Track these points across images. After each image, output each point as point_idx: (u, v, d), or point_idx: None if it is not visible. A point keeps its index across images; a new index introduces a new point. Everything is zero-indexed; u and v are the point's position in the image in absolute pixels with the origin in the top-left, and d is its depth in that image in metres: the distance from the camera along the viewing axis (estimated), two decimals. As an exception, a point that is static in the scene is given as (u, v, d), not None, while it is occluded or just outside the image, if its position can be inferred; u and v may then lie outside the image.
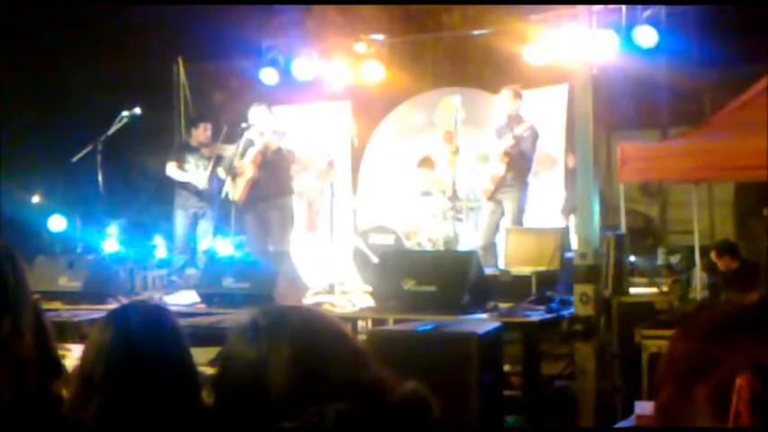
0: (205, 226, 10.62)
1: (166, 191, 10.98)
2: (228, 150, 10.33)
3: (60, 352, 2.30)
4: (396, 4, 12.52)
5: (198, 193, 10.53)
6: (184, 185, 10.58)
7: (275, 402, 1.86)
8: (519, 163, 9.72)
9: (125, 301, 8.57)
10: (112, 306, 8.17)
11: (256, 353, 1.91)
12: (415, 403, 1.92)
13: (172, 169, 10.59)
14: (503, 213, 9.79)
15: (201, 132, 10.76)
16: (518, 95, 10.01)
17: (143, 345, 2.41)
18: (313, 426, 1.80)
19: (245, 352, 1.93)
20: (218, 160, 10.40)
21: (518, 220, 9.73)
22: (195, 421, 2.29)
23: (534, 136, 9.76)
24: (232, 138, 10.43)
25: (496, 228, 9.79)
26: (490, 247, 9.68)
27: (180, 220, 10.69)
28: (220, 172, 10.32)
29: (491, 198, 9.83)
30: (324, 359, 1.91)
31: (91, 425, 2.12)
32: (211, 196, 10.53)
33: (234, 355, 1.96)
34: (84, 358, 2.36)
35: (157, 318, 2.52)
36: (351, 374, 1.90)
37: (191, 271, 10.03)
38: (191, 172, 10.57)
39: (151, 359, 2.38)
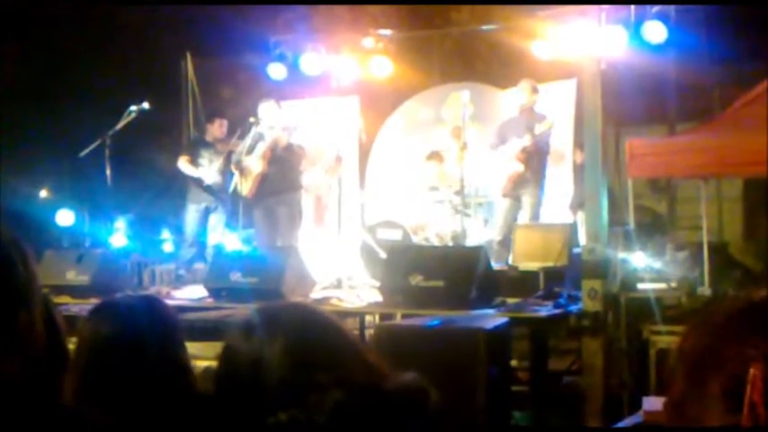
0: (216, 220, 10.64)
1: (174, 185, 11.01)
2: (241, 146, 10.36)
3: (69, 346, 2.34)
4: (403, 4, 12.52)
5: (207, 188, 10.54)
6: (195, 180, 10.60)
7: (273, 394, 1.92)
8: (536, 158, 9.76)
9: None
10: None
11: (252, 347, 1.98)
12: (412, 392, 1.96)
13: (183, 164, 10.60)
14: (520, 208, 9.83)
15: (217, 128, 10.78)
16: (536, 90, 10.01)
17: (114, 337, 2.50)
18: (311, 414, 1.85)
19: (242, 347, 2.00)
20: (231, 155, 10.42)
21: (536, 214, 9.79)
22: (185, 409, 2.35)
23: (550, 132, 9.82)
24: (244, 133, 10.46)
25: (515, 221, 9.80)
26: (507, 242, 9.68)
27: (191, 214, 10.70)
28: (233, 167, 10.35)
29: (508, 195, 9.85)
30: (318, 350, 1.98)
31: (100, 418, 2.15)
32: (224, 191, 10.55)
33: (232, 350, 2.03)
34: (73, 352, 2.43)
35: (136, 310, 2.58)
36: (346, 365, 1.95)
37: (199, 265, 10.06)
38: (204, 167, 10.59)
39: (123, 350, 2.48)
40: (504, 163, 9.86)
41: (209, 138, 10.79)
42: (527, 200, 9.80)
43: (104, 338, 2.51)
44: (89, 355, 2.49)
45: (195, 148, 10.77)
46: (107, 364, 2.46)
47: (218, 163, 10.54)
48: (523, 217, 9.78)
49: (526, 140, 9.60)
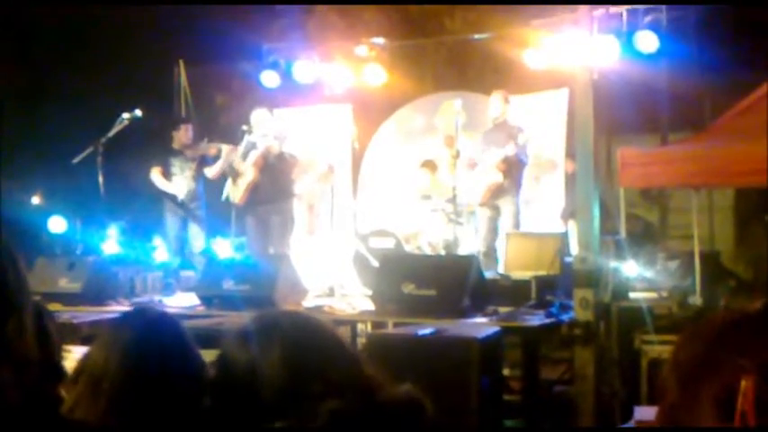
0: (196, 228, 10.61)
1: (162, 192, 10.98)
2: (214, 149, 10.34)
3: (65, 354, 2.27)
4: (395, 4, 12.52)
5: (181, 205, 10.51)
6: (168, 195, 10.58)
7: (269, 402, 1.92)
8: (516, 169, 9.82)
9: (125, 302, 8.59)
10: (112, 308, 8.24)
11: (249, 355, 1.99)
12: (408, 403, 1.96)
13: (156, 176, 10.57)
14: (499, 216, 9.87)
15: (183, 134, 10.73)
16: (508, 101, 10.10)
17: (159, 350, 2.38)
18: (307, 423, 1.84)
19: (239, 355, 2.01)
20: (204, 160, 10.40)
21: (517, 221, 9.84)
22: (199, 424, 2.29)
23: (526, 145, 9.89)
24: (227, 137, 10.44)
25: (496, 232, 9.85)
26: (491, 252, 9.72)
27: (171, 224, 10.68)
28: (207, 171, 10.33)
29: (485, 204, 9.90)
30: (315, 360, 1.98)
31: (95, 427, 2.12)
32: (197, 198, 10.53)
33: (229, 358, 2.04)
34: (94, 360, 2.34)
35: (169, 323, 2.50)
36: (343, 374, 1.96)
37: (187, 273, 10.04)
38: (176, 176, 10.55)
39: (166, 365, 2.35)
40: (484, 173, 9.88)
41: (176, 145, 10.72)
42: (507, 208, 9.86)
43: (132, 349, 2.39)
44: (111, 365, 2.36)
45: (165, 158, 10.70)
46: (133, 376, 2.34)
47: (189, 170, 10.50)
48: (505, 225, 9.82)
49: (510, 150, 9.63)
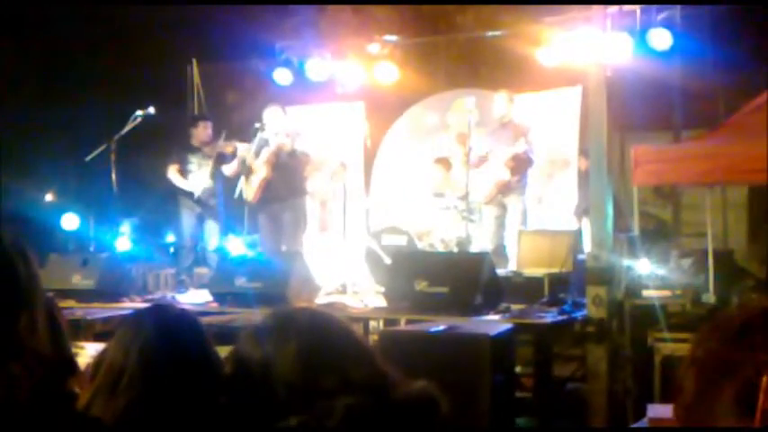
0: (212, 225, 10.61)
1: (178, 190, 11.01)
2: (231, 147, 10.35)
3: (74, 350, 2.27)
4: (408, 4, 12.52)
5: (197, 201, 10.51)
6: (185, 192, 10.58)
7: (284, 398, 1.93)
8: (523, 167, 9.82)
9: (138, 299, 8.61)
10: (125, 304, 8.26)
11: (264, 351, 1.99)
12: (423, 400, 1.96)
13: (173, 174, 10.58)
14: (506, 213, 9.87)
15: (201, 131, 10.73)
16: (512, 100, 10.11)
17: (178, 346, 2.36)
18: (322, 419, 1.84)
19: (254, 351, 2.02)
20: (221, 158, 10.40)
21: (525, 220, 9.83)
22: (215, 420, 2.28)
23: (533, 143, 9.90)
24: (240, 135, 10.44)
25: (503, 229, 9.84)
26: (500, 249, 9.71)
27: (186, 221, 10.69)
28: (225, 169, 10.33)
29: (491, 202, 9.89)
30: (330, 356, 1.98)
31: (112, 423, 2.12)
32: (215, 195, 10.53)
33: (244, 354, 2.04)
34: (113, 356, 2.32)
35: (188, 320, 2.48)
36: (358, 371, 1.96)
37: (201, 270, 10.05)
38: (194, 173, 10.55)
39: (185, 361, 2.32)
40: (493, 170, 9.86)
41: (194, 142, 10.72)
42: (515, 206, 9.87)
43: (153, 346, 2.36)
44: (131, 362, 2.33)
45: (183, 155, 10.71)
46: (153, 373, 2.30)
47: (207, 167, 10.51)
48: (513, 223, 9.82)
49: (520, 147, 9.62)
